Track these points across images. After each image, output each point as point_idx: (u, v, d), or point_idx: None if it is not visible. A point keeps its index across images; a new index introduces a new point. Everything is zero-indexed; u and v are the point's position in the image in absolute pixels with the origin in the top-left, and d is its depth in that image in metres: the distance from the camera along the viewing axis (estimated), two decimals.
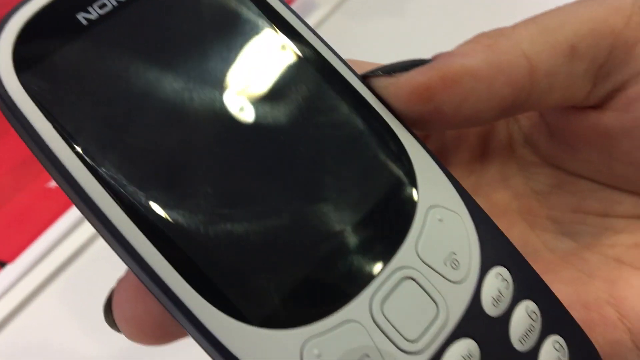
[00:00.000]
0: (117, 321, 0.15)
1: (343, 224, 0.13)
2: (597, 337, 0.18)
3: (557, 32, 0.16)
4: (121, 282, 0.15)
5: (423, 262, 0.14)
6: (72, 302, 0.26)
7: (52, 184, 0.31)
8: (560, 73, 0.16)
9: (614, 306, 0.18)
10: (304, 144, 0.14)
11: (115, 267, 0.27)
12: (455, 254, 0.14)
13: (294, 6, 0.43)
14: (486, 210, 0.17)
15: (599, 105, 0.17)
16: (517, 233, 0.20)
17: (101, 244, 0.29)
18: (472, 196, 0.18)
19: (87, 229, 0.28)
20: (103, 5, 0.14)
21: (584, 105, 0.17)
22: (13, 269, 0.27)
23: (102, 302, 0.26)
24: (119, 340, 0.25)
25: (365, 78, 0.17)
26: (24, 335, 0.25)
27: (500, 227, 0.16)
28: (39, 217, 0.29)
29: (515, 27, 0.16)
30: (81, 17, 0.13)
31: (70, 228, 0.28)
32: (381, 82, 0.16)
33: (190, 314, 0.12)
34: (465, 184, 0.20)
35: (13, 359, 0.25)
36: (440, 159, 0.20)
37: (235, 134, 0.14)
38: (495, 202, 0.20)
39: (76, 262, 0.28)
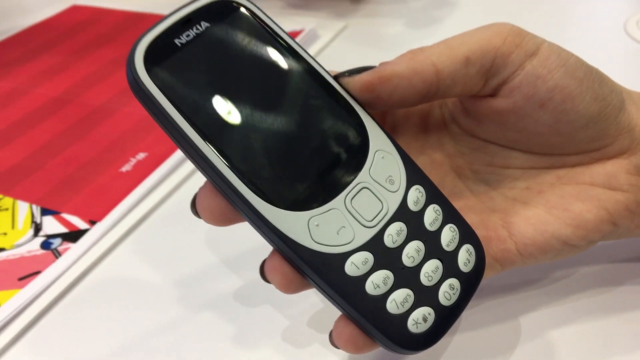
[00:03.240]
0: (198, 210, 0.24)
1: (327, 158, 0.23)
2: (494, 248, 0.26)
3: (457, 48, 0.24)
4: (201, 188, 0.24)
5: (373, 179, 0.23)
6: (144, 249, 0.35)
7: (124, 168, 0.41)
8: (458, 74, 0.24)
9: (506, 228, 0.27)
10: (307, 116, 0.23)
11: (169, 227, 0.37)
12: (391, 176, 0.23)
13: (301, 35, 0.54)
14: (427, 166, 0.26)
15: (492, 94, 0.25)
16: (449, 180, 0.29)
17: (162, 210, 0.38)
18: (418, 155, 0.28)
19: (151, 201, 0.38)
20: (188, 35, 0.22)
21: (482, 95, 0.26)
22: (101, 225, 0.36)
23: (170, 246, 0.35)
24: (181, 274, 0.34)
25: (336, 78, 0.25)
26: (109, 274, 0.34)
27: (437, 177, 0.26)
28: (116, 192, 0.39)
29: (431, 45, 0.25)
30: (177, 41, 0.22)
31: (140, 199, 0.38)
32: (345, 80, 0.25)
33: (247, 201, 0.22)
34: (413, 147, 0.30)
35: (99, 292, 0.33)
36: (393, 132, 0.30)
37: (270, 110, 0.23)
38: (434, 160, 0.29)
39: (145, 223, 0.37)
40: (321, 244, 0.22)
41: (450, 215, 0.24)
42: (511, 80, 0.25)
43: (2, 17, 0.65)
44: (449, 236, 0.24)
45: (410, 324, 0.22)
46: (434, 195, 0.24)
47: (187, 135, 0.21)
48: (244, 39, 0.23)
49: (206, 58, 0.23)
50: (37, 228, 0.37)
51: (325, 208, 0.22)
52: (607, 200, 0.26)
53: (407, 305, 0.22)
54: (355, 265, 0.22)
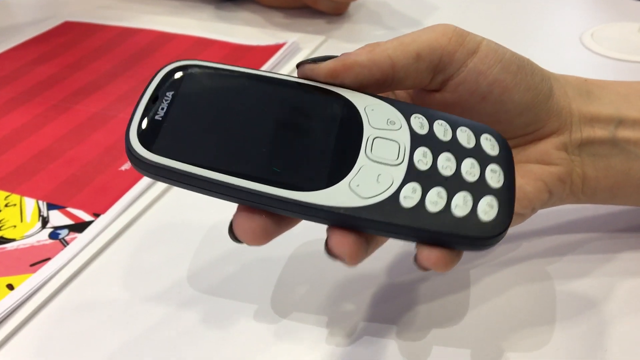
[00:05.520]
0: (238, 236, 0.25)
1: (333, 133, 0.26)
2: None
3: (409, 45, 0.28)
4: (236, 215, 0.25)
5: (377, 128, 0.26)
6: (145, 239, 0.39)
7: (124, 167, 0.44)
8: (410, 68, 0.27)
9: None
10: (295, 111, 0.27)
11: (168, 218, 0.40)
12: (389, 118, 0.27)
13: (284, 47, 0.58)
14: None
15: (439, 89, 0.29)
16: None
17: (161, 204, 0.42)
18: None
19: (150, 195, 0.42)
20: (162, 108, 0.25)
21: (430, 89, 0.30)
22: (105, 217, 0.39)
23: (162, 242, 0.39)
24: (180, 261, 0.37)
25: (300, 64, 0.27)
26: (113, 260, 0.37)
27: None
28: (117, 188, 0.42)
29: (386, 41, 0.28)
30: (157, 117, 0.25)
31: (140, 193, 0.41)
32: (311, 66, 0.27)
33: (293, 200, 0.24)
34: None
35: (104, 276, 0.36)
36: None
37: (267, 121, 0.26)
38: None
39: (145, 215, 0.40)
40: (370, 197, 0.24)
41: (454, 121, 0.27)
42: (456, 76, 0.29)
43: None
44: (464, 137, 0.26)
45: (481, 215, 0.24)
46: (431, 114, 0.27)
47: (217, 180, 0.24)
48: (207, 84, 0.27)
49: (187, 114, 0.26)
50: (45, 221, 0.40)
51: (355, 169, 0.25)
52: (542, 173, 0.30)
53: (470, 203, 0.24)
54: (408, 197, 0.24)
